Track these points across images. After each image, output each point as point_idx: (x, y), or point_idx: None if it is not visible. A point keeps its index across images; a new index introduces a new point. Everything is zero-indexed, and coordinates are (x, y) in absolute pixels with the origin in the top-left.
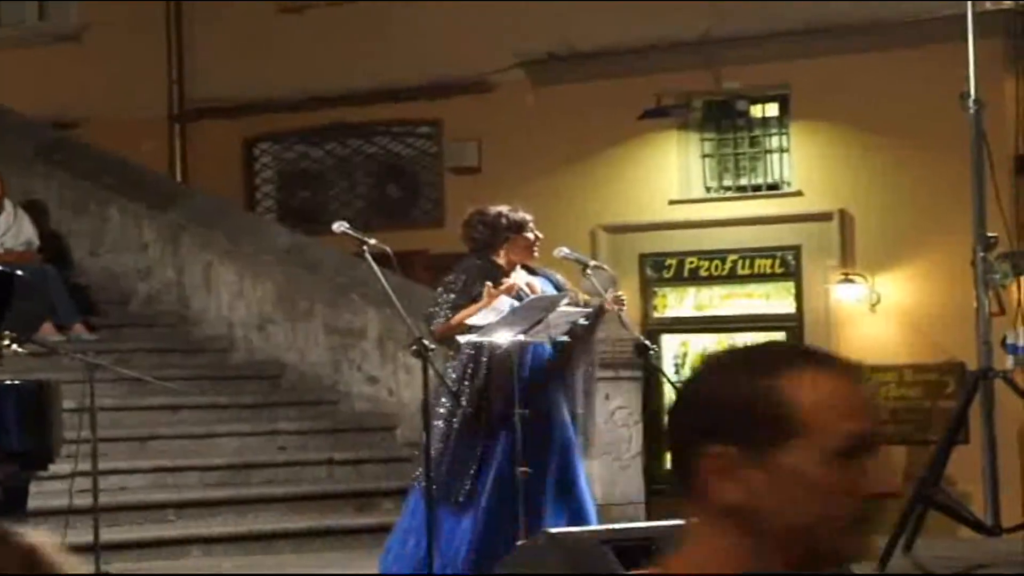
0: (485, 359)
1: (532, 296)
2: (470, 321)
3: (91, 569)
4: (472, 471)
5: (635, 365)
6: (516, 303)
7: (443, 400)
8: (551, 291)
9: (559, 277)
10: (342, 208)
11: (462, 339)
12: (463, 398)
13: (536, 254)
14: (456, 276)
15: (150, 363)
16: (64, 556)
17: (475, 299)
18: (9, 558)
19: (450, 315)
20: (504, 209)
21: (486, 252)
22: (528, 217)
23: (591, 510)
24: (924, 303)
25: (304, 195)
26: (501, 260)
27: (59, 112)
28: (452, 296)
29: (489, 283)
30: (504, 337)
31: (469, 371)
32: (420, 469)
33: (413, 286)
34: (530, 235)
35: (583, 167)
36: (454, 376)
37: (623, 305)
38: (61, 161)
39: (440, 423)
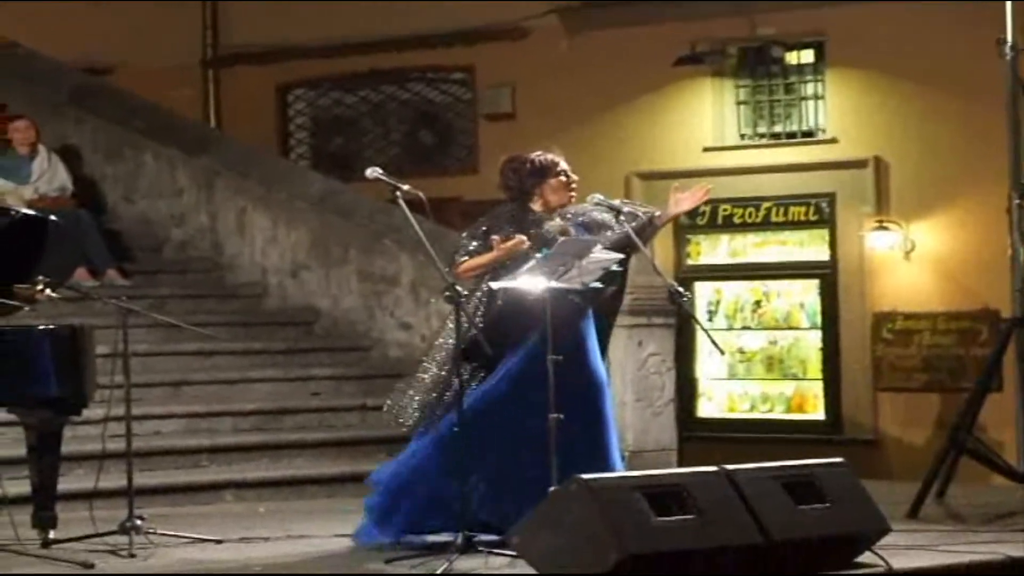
0: (499, 303)
1: (563, 240)
2: None
3: (125, 513)
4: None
5: (668, 312)
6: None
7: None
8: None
9: (609, 205)
10: (376, 155)
11: (493, 284)
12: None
13: (573, 196)
14: (481, 222)
15: (183, 309)
16: None
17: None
18: None
19: (465, 260)
20: (533, 154)
21: (521, 199)
22: (558, 159)
23: (617, 457)
24: (958, 251)
25: (337, 141)
26: (537, 206)
27: (92, 58)
28: (472, 242)
29: (495, 237)
30: (535, 283)
31: (479, 311)
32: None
33: (446, 232)
34: (562, 177)
35: (617, 114)
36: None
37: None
38: (94, 106)
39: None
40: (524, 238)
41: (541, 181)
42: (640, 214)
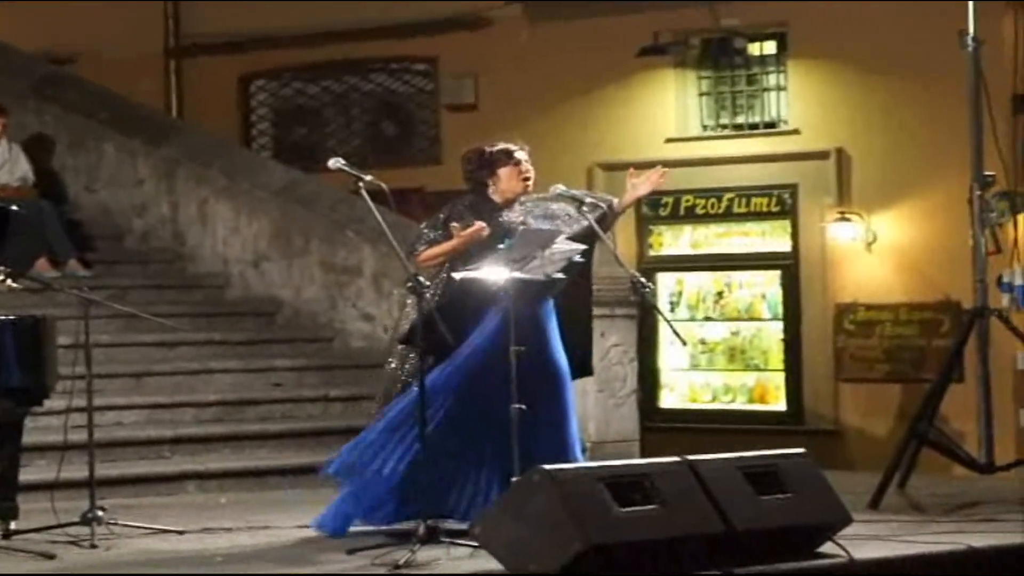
0: (449, 292)
1: (525, 230)
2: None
3: (87, 504)
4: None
5: (630, 303)
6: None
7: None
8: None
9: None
10: (338, 145)
11: (456, 275)
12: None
13: (528, 185)
14: (440, 212)
15: (145, 299)
16: None
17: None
18: None
19: (425, 249)
20: (490, 145)
21: (479, 189)
22: (512, 148)
23: (577, 448)
24: (920, 242)
25: (300, 132)
26: (496, 196)
27: (54, 48)
28: (432, 231)
29: (456, 224)
30: (498, 273)
31: (434, 300)
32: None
33: (409, 223)
34: (516, 166)
35: (580, 104)
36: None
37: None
38: (55, 96)
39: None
40: (484, 225)
41: (492, 171)
42: (601, 204)
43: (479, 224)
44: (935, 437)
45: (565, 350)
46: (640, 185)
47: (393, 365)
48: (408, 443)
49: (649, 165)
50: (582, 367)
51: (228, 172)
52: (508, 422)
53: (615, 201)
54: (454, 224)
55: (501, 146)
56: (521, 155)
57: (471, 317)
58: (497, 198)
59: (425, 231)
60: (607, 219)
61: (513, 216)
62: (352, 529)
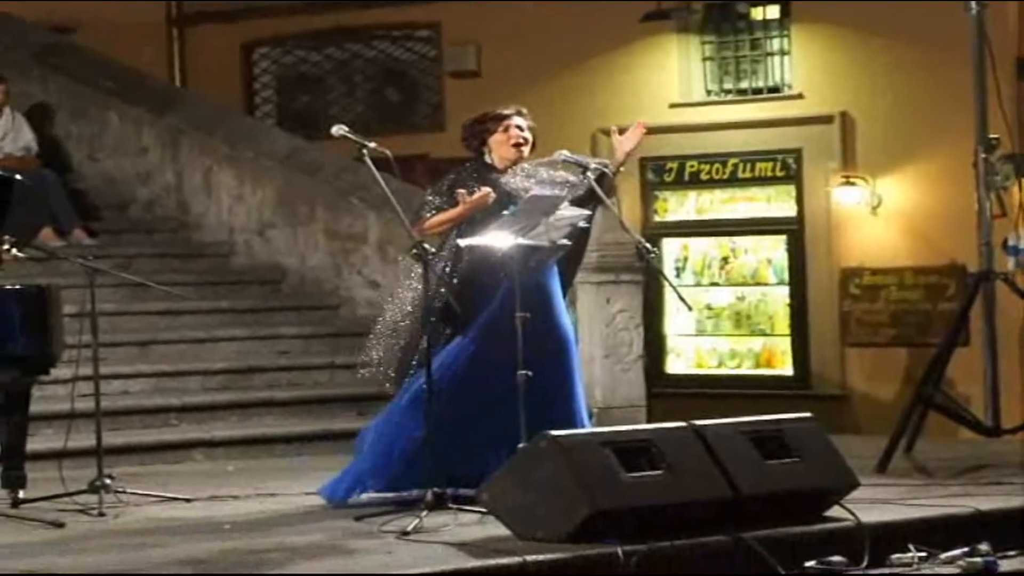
0: (466, 259)
1: (530, 196)
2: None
3: (94, 473)
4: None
5: (636, 269)
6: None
7: (410, 295)
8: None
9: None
10: (341, 113)
11: (461, 241)
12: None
13: (522, 151)
14: (444, 179)
15: (150, 268)
16: None
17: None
18: None
19: (430, 216)
20: (486, 111)
21: (479, 155)
22: (506, 112)
23: (584, 414)
24: (925, 205)
25: (303, 100)
26: (494, 160)
27: (56, 16)
28: (437, 198)
29: (462, 191)
30: (503, 240)
31: (447, 269)
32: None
33: (413, 190)
34: (505, 132)
35: (583, 71)
36: (435, 272)
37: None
38: (59, 65)
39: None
40: (489, 190)
41: (483, 139)
42: (604, 168)
43: (485, 190)
44: (941, 401)
45: None
46: (625, 141)
47: (398, 324)
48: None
49: (653, 130)
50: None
51: (232, 140)
52: (516, 389)
53: (607, 163)
54: (460, 191)
55: (492, 112)
56: (516, 120)
57: (488, 287)
58: (497, 164)
59: (430, 198)
60: (606, 181)
61: (516, 182)
62: (363, 497)
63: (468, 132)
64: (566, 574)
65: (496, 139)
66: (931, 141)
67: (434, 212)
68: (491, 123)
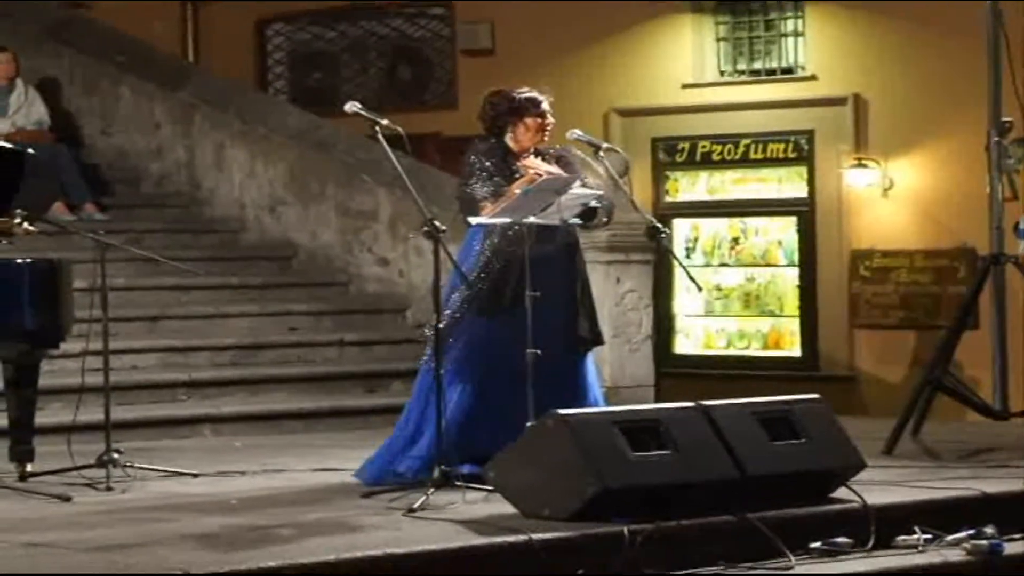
0: (498, 240)
1: (544, 178)
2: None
3: (103, 447)
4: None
5: (646, 248)
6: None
7: (456, 283)
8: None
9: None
10: (354, 90)
11: (473, 220)
12: (481, 280)
13: (546, 137)
14: (478, 163)
15: (161, 243)
16: None
17: (510, 179)
18: None
19: (490, 204)
20: (517, 91)
21: (498, 134)
22: (540, 98)
23: (598, 393)
24: (937, 188)
25: (316, 76)
26: (512, 143)
27: None
28: (485, 186)
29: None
30: (516, 219)
31: (488, 253)
32: (428, 351)
33: (425, 168)
34: (538, 118)
35: (596, 50)
36: (473, 259)
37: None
38: (71, 39)
39: (452, 306)
40: (538, 172)
41: (517, 119)
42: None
43: (532, 172)
44: (950, 384)
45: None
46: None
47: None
48: (458, 392)
49: (665, 111)
50: (595, 336)
51: (244, 116)
52: (536, 367)
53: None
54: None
55: (529, 94)
56: (546, 106)
57: (520, 268)
58: (512, 145)
59: (476, 185)
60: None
61: (530, 163)
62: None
63: (504, 108)
64: (572, 552)
65: (528, 123)
66: (944, 124)
67: (494, 198)
68: (530, 105)
